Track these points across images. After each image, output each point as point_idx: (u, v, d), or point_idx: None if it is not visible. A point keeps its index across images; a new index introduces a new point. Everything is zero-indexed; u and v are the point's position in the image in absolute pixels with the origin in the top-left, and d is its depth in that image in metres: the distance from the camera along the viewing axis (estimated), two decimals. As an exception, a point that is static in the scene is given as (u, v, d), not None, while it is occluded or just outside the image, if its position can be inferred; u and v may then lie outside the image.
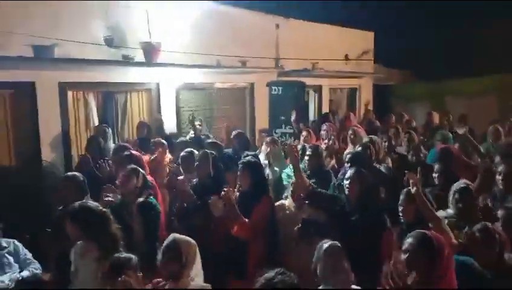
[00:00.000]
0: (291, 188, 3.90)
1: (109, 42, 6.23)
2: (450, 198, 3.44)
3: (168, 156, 5.48)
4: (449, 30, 12.45)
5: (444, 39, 12.69)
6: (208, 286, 2.31)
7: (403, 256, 2.18)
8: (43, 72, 5.58)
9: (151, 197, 3.69)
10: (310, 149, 4.59)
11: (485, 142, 5.99)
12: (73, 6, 5.80)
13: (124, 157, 4.32)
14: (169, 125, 7.25)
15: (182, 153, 4.31)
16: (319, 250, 2.60)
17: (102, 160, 4.81)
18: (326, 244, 2.60)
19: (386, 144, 5.57)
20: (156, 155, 5.18)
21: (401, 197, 3.25)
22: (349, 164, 3.68)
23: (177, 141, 5.61)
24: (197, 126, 6.49)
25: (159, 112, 7.11)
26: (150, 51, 6.55)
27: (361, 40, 11.32)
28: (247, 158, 3.88)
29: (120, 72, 6.48)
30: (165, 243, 2.57)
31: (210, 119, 8.14)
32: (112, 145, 5.98)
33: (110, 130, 6.24)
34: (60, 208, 3.70)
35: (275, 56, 8.97)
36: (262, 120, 8.57)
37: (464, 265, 2.37)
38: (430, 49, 12.38)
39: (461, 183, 3.46)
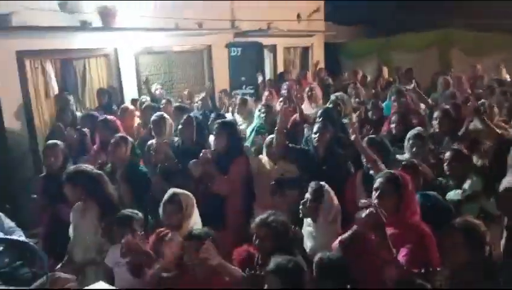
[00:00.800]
0: (265, 147, 4.21)
1: (63, 7, 6.09)
2: (406, 144, 3.89)
3: (137, 120, 5.60)
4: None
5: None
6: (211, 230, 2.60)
7: (374, 193, 2.57)
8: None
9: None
10: (264, 108, 4.93)
11: (434, 93, 6.56)
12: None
13: (100, 123, 4.43)
14: (130, 90, 7.29)
15: (153, 118, 4.44)
16: (310, 189, 2.94)
17: (70, 128, 4.90)
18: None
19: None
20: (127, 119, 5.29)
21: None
22: (320, 118, 4.03)
23: (145, 105, 5.70)
24: (158, 91, 6.58)
25: (119, 77, 7.11)
26: (107, 15, 6.46)
27: (312, -1, 11.53)
28: (224, 119, 4.10)
29: (77, 38, 6.36)
30: (166, 197, 2.81)
31: (170, 83, 8.19)
32: (75, 113, 6.00)
33: (72, 98, 6.22)
34: (43, 175, 3.80)
35: (230, 17, 9.02)
36: (221, 81, 8.72)
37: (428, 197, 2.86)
38: (376, 5, 12.76)
39: (415, 130, 3.92)
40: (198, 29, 7.98)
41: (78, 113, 6.04)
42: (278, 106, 5.72)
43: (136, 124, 5.53)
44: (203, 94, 6.15)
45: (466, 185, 3.36)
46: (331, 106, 4.92)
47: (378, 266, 2.33)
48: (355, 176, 3.71)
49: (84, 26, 6.12)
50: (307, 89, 6.08)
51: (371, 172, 3.38)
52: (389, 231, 2.44)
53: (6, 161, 5.64)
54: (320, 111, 4.27)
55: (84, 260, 3.00)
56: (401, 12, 12.60)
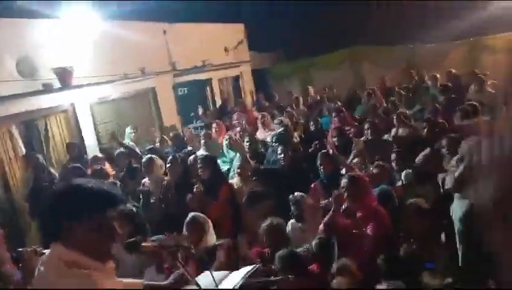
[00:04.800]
0: (237, 170, 5.09)
1: (24, 74, 6.59)
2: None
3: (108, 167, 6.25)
4: (304, 11, 14.37)
5: (301, 20, 14.65)
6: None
7: (341, 190, 3.58)
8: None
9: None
10: (248, 138, 5.87)
11: (360, 105, 7.93)
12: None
13: (95, 172, 5.08)
14: (90, 140, 7.81)
15: (144, 160, 5.17)
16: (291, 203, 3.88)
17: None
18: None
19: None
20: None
21: (319, 158, 4.71)
22: (276, 143, 5.10)
23: (116, 153, 6.34)
24: (133, 134, 7.23)
25: (79, 129, 7.62)
26: (64, 75, 7.02)
27: (235, 33, 12.73)
28: (204, 155, 4.96)
29: (37, 100, 6.82)
30: (188, 219, 3.60)
31: (122, 128, 8.75)
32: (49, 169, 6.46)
33: (40, 156, 6.66)
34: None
35: (168, 59, 9.85)
36: (169, 118, 9.48)
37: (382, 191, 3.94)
38: (292, 31, 14.19)
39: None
40: (144, 74, 8.73)
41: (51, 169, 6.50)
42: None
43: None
44: (172, 134, 6.94)
45: (402, 176, 4.46)
46: (282, 130, 5.96)
47: (353, 239, 3.35)
48: (315, 185, 4.71)
49: (48, 88, 6.64)
50: (260, 117, 7.07)
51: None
52: (358, 214, 3.47)
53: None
54: (275, 137, 5.34)
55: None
56: (312, 36, 14.13)
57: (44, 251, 2.36)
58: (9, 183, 6.41)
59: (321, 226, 3.57)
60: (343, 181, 3.62)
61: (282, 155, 4.82)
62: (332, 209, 3.47)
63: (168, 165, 4.97)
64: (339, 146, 5.51)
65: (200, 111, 8.61)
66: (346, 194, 3.53)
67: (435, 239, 3.28)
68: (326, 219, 3.53)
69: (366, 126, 5.62)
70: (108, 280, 1.63)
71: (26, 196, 6.10)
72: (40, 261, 1.70)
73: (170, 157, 5.03)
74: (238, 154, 5.17)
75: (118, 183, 4.96)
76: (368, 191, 3.58)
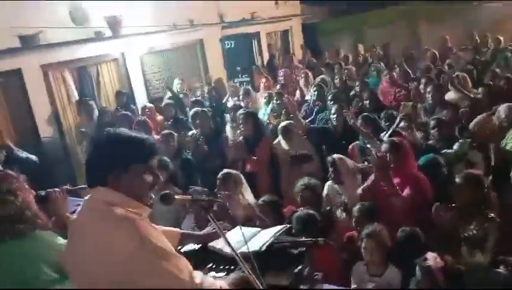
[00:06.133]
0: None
1: (76, 21, 6.76)
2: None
3: (158, 116, 6.42)
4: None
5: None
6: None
7: (382, 153, 3.50)
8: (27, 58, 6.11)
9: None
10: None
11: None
12: None
13: (138, 123, 5.26)
14: (139, 89, 8.01)
15: (192, 112, 5.31)
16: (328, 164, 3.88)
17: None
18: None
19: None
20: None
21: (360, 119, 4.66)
22: (331, 102, 5.08)
23: (163, 103, 6.50)
24: (179, 85, 7.36)
25: (128, 78, 7.83)
26: (114, 23, 7.15)
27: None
28: (246, 110, 4.99)
29: (89, 48, 7.03)
30: (220, 175, 3.70)
31: (170, 79, 8.89)
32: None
33: (93, 103, 6.95)
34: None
35: (217, 11, 9.74)
36: (215, 71, 9.49)
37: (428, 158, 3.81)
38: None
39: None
40: (193, 25, 8.72)
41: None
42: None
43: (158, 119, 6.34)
44: (207, 86, 7.02)
45: (456, 146, 4.17)
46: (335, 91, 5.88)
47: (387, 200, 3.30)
48: (353, 147, 4.62)
49: (99, 36, 6.80)
50: (303, 74, 6.96)
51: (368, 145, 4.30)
52: (395, 180, 3.42)
53: (45, 164, 6.33)
54: (330, 96, 5.26)
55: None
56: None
57: (72, 188, 2.50)
58: (63, 127, 6.76)
59: (359, 190, 3.54)
60: (384, 146, 3.56)
61: (336, 115, 4.78)
62: (373, 176, 3.41)
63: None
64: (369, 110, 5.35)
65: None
66: (386, 154, 3.46)
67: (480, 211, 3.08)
68: (365, 184, 3.49)
69: (428, 89, 5.35)
70: (149, 222, 1.71)
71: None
72: (83, 200, 1.78)
73: (199, 110, 5.12)
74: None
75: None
76: (408, 158, 3.50)
